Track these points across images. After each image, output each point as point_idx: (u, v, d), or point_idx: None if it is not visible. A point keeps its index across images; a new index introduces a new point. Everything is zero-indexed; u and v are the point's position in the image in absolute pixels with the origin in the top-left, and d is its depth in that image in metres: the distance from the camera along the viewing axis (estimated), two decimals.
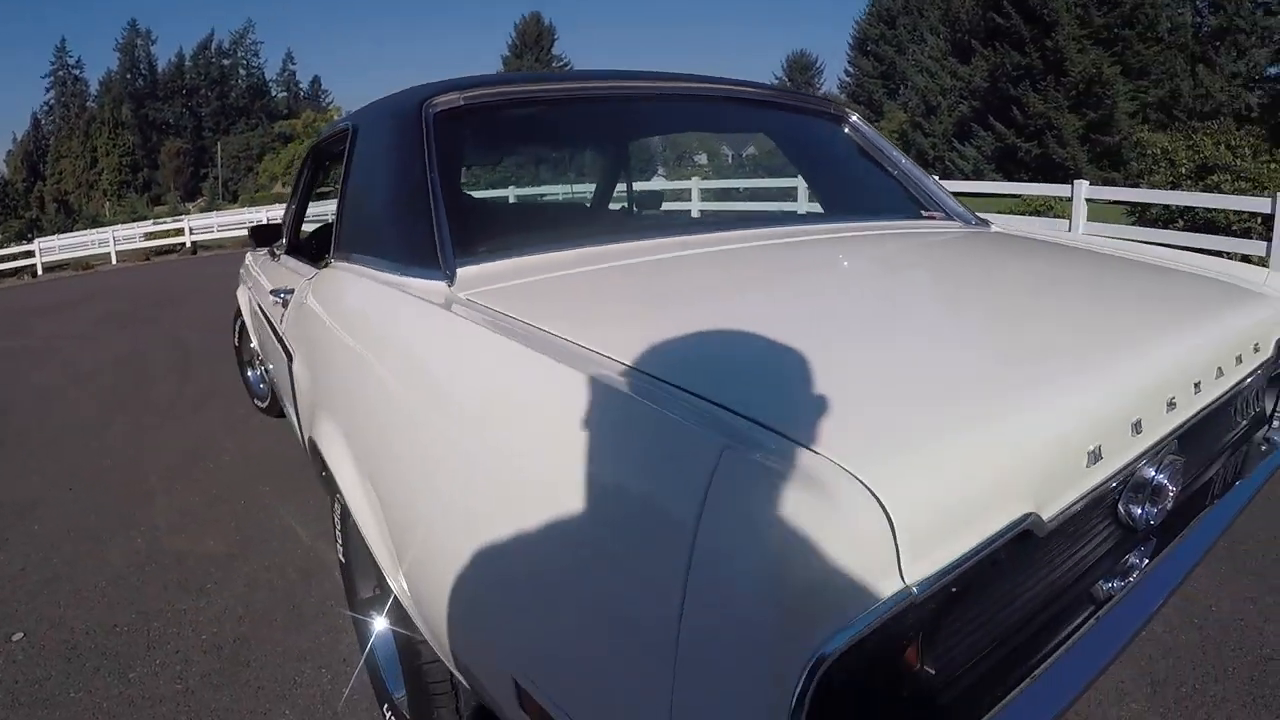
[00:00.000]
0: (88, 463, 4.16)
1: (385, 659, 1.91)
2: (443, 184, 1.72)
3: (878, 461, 0.77)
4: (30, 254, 22.58)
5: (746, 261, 1.82)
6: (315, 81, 75.03)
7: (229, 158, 58.00)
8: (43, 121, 64.99)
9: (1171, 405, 1.19)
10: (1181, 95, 23.25)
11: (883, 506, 0.73)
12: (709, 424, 0.84)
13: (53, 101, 65.15)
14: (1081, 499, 1.01)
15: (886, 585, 0.73)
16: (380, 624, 1.92)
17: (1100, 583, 1.23)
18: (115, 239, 22.54)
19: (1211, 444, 1.60)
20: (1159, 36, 26.41)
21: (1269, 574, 2.52)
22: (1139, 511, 1.24)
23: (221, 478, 3.78)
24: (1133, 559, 1.29)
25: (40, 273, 21.65)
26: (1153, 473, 1.22)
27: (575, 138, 2.87)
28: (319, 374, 1.92)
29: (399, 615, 1.46)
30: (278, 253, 3.31)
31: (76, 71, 65.76)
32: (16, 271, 22.08)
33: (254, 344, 4.15)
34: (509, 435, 1.09)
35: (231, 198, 43.13)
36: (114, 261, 21.67)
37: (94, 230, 27.15)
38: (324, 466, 1.85)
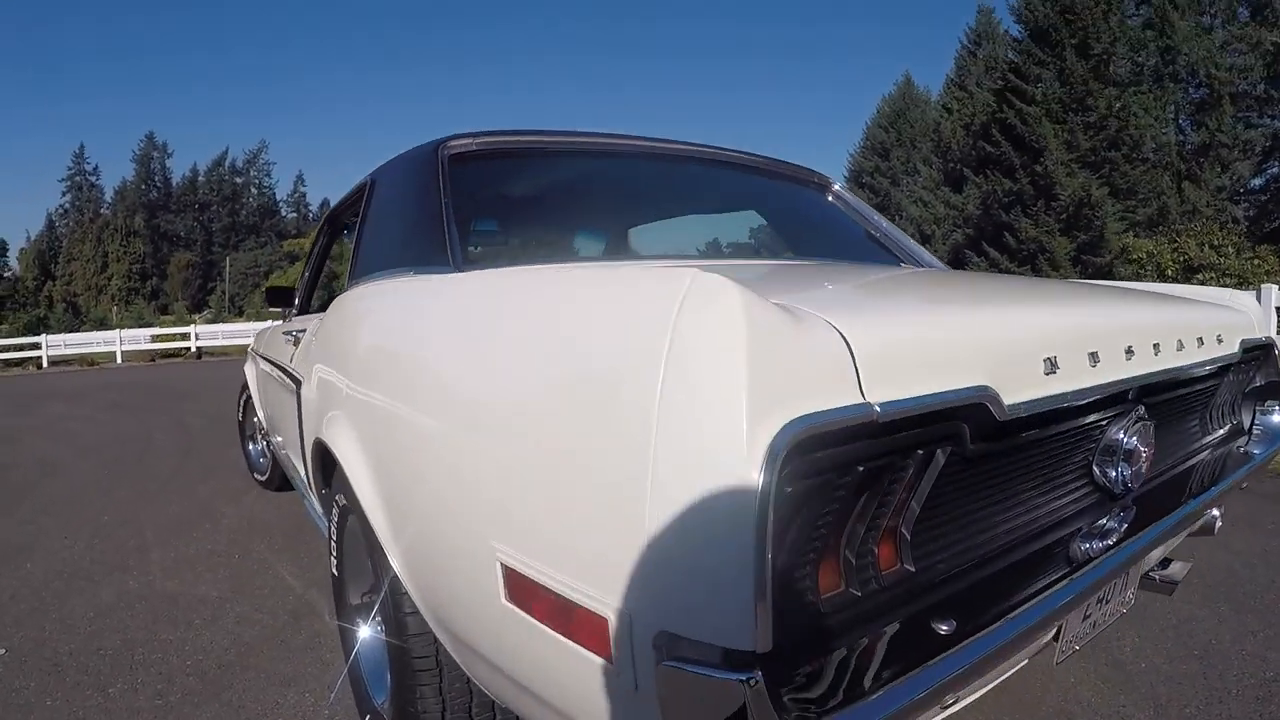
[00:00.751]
0: (87, 520, 4.15)
1: (369, 665, 1.91)
2: (455, 208, 1.87)
3: (837, 307, 0.89)
4: (37, 346, 23.02)
5: (734, 267, 1.95)
6: (324, 204, 75.86)
7: (237, 273, 58.81)
8: (57, 223, 66.05)
9: (1130, 352, 1.29)
10: (1169, 212, 23.91)
11: (840, 333, 0.84)
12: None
13: (68, 205, 66.39)
14: (1041, 403, 1.08)
15: (845, 394, 0.82)
16: (366, 631, 1.93)
17: (1078, 542, 1.28)
18: (121, 339, 22.88)
19: (1182, 426, 1.71)
20: (1144, 156, 27.30)
21: (1269, 612, 2.53)
22: (1113, 473, 1.35)
23: (219, 537, 3.76)
24: (1110, 524, 1.34)
25: (45, 365, 21.92)
26: (1122, 435, 1.33)
27: (579, 189, 3.03)
28: (331, 380, 1.99)
29: (393, 594, 1.49)
30: (289, 313, 3.45)
31: (93, 178, 67.54)
32: (22, 362, 22.60)
33: (259, 416, 4.22)
34: (511, 357, 1.17)
35: (237, 312, 43.63)
36: (119, 361, 21.90)
37: (101, 330, 27.52)
38: (327, 466, 1.94)
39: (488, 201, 2.32)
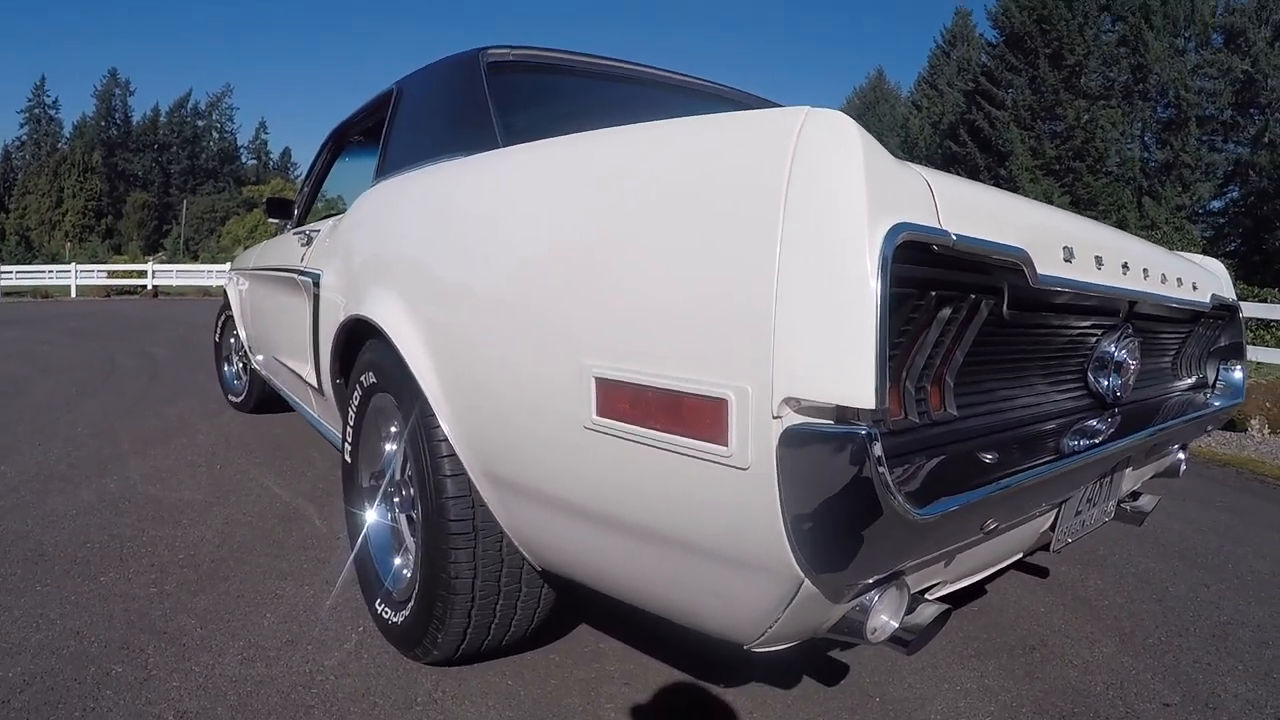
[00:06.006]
0: (59, 431, 4.10)
1: (379, 549, 1.95)
2: (497, 107, 1.91)
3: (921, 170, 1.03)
4: None
5: None
6: (286, 153, 73.43)
7: (193, 217, 57.01)
8: (13, 154, 63.88)
9: (1125, 268, 1.49)
10: (1128, 225, 24.55)
11: (924, 178, 1.00)
12: None
13: (25, 137, 64.21)
14: (1061, 282, 1.25)
15: (930, 220, 0.97)
16: (373, 515, 1.97)
17: (1074, 437, 1.45)
18: (77, 272, 22.43)
19: (1159, 360, 2.00)
20: (1108, 169, 27.97)
21: (1220, 570, 2.73)
22: (1104, 381, 1.60)
23: (196, 449, 3.76)
24: (1100, 426, 1.54)
25: None
26: (1113, 348, 1.58)
27: (605, 111, 3.06)
28: (370, 260, 2.05)
29: (434, 458, 1.54)
30: (286, 225, 3.48)
31: (52, 111, 65.04)
32: None
33: (240, 333, 4.21)
34: (606, 192, 1.28)
35: (192, 256, 42.28)
36: (73, 295, 21.44)
37: (55, 265, 26.85)
38: (351, 349, 2.02)
39: (522, 111, 2.38)
